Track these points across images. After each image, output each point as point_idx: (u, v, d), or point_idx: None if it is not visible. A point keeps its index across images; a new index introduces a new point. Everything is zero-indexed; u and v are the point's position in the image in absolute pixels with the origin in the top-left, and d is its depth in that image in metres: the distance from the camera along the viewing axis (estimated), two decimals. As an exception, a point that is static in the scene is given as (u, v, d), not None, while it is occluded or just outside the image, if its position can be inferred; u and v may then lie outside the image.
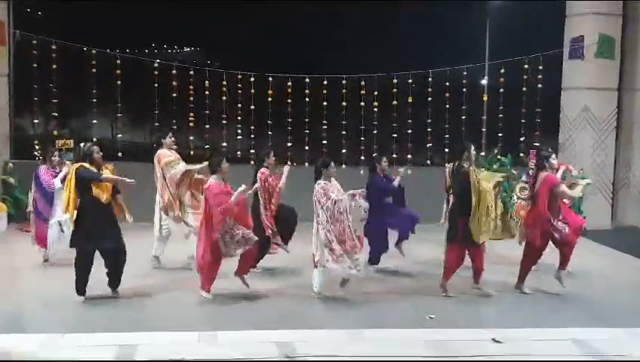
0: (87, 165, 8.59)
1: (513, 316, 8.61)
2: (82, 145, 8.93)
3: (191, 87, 15.54)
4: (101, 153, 8.81)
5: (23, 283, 9.65)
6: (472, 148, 9.36)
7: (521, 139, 15.46)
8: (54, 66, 15.21)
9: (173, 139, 10.84)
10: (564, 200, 9.63)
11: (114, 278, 8.80)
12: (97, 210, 8.53)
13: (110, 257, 8.69)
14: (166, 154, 10.64)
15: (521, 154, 14.71)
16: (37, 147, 16.01)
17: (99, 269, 8.75)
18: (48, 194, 10.61)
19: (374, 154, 14.60)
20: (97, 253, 8.70)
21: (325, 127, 15.98)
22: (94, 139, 14.99)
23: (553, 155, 9.66)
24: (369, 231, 10.26)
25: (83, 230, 8.51)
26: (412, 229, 10.82)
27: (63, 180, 10.06)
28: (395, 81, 15.74)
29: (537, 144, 14.52)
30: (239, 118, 15.91)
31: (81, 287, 8.62)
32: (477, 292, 9.35)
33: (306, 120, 15.84)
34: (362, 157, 15.73)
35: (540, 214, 9.25)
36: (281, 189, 10.26)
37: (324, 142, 15.87)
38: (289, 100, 15.71)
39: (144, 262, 10.43)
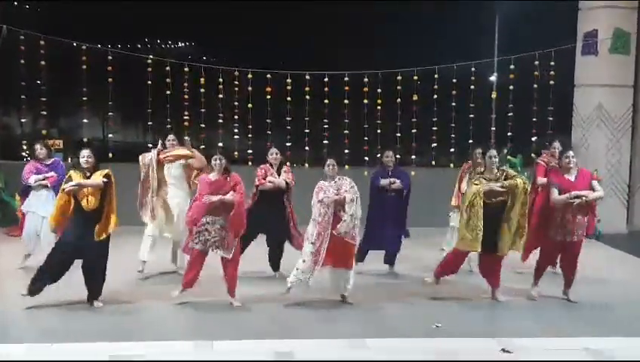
0: (73, 173, 8.37)
1: (524, 324, 8.35)
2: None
3: (186, 84, 14.97)
4: (85, 159, 8.40)
5: (9, 289, 9.29)
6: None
7: (532, 138, 14.90)
8: (43, 63, 14.60)
9: (175, 142, 10.47)
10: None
11: (90, 290, 8.51)
12: (81, 218, 8.28)
13: (85, 269, 8.43)
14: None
15: (533, 155, 14.30)
16: (25, 147, 15.53)
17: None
18: (26, 189, 10.48)
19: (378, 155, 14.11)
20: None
21: (326, 126, 15.46)
22: (85, 139, 14.57)
23: (570, 152, 9.21)
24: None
25: (64, 238, 8.35)
26: (395, 250, 10.59)
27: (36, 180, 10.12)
28: (399, 77, 15.15)
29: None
30: (236, 116, 15.38)
31: (36, 286, 8.28)
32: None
33: (307, 118, 15.31)
34: (366, 158, 15.18)
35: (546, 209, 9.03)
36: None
37: (325, 141, 15.36)
38: (289, 98, 15.15)
39: (134, 268, 10.17)
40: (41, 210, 10.22)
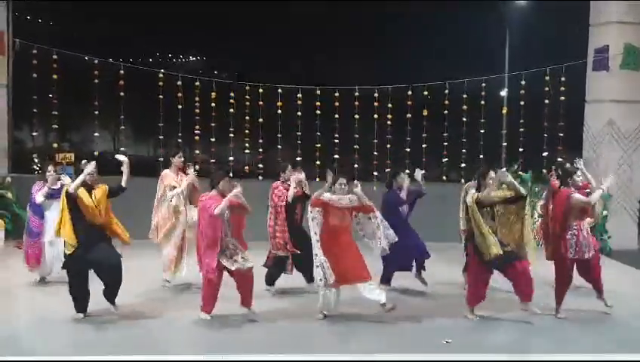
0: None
1: (534, 340, 8.26)
2: (82, 163, 8.62)
3: (197, 98, 15.00)
4: (92, 173, 8.37)
5: (18, 302, 9.35)
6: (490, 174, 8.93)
7: (543, 154, 14.85)
8: (55, 76, 14.73)
9: (182, 159, 10.42)
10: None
11: (110, 294, 8.53)
12: (88, 230, 8.28)
13: (104, 275, 8.43)
14: (170, 177, 10.24)
15: (543, 170, 14.26)
16: (36, 160, 15.57)
17: (99, 289, 8.55)
18: (38, 209, 10.31)
19: (389, 170, 14.01)
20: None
21: (337, 140, 15.43)
22: (95, 153, 14.57)
23: (579, 172, 9.26)
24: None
25: (74, 252, 8.28)
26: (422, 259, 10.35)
27: (46, 196, 10.09)
28: (410, 92, 15.18)
29: (560, 160, 14.05)
30: (247, 130, 15.42)
31: (80, 307, 8.43)
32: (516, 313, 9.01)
33: (317, 133, 15.37)
34: (375, 173, 15.14)
35: (556, 231, 8.95)
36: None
37: (336, 156, 15.35)
38: (299, 113, 15.21)
39: (147, 281, 10.16)
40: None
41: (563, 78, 14.81)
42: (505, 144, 16.86)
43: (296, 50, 26.73)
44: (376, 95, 15.24)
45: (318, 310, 8.71)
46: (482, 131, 15.40)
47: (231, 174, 9.25)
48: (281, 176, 10.14)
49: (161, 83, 14.99)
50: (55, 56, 14.70)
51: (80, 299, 8.42)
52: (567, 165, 9.84)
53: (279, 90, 15.09)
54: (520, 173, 14.63)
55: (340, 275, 8.56)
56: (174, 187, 10.09)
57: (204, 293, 8.56)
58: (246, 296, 8.64)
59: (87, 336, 7.89)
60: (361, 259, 8.77)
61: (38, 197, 10.13)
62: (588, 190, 9.26)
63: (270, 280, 10.13)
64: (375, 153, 15.49)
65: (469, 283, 9.14)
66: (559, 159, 14.05)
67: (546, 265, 9.44)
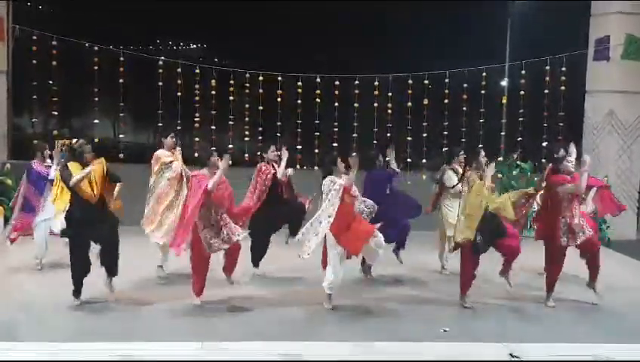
0: (71, 165, 8.39)
1: (532, 330, 8.30)
2: (74, 141, 8.72)
3: (197, 85, 15.02)
4: (88, 151, 8.46)
5: (17, 288, 9.34)
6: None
7: (543, 144, 14.83)
8: (55, 63, 14.75)
9: (174, 139, 10.27)
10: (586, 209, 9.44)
11: (108, 267, 8.56)
12: (86, 204, 8.32)
13: (103, 247, 8.48)
14: (165, 154, 10.05)
15: (543, 160, 14.24)
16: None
17: (95, 278, 8.58)
18: (39, 182, 10.40)
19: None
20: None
21: (336, 129, 15.39)
22: (96, 140, 14.55)
23: (569, 158, 9.09)
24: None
25: (74, 224, 8.38)
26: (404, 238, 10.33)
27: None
28: (410, 81, 15.13)
29: (547, 143, 14.06)
30: (247, 118, 15.44)
31: (77, 288, 8.44)
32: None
33: (317, 121, 15.36)
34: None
35: (548, 217, 9.03)
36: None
37: (335, 144, 15.31)
38: (299, 101, 15.21)
39: (144, 268, 10.13)
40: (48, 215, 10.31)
41: (563, 68, 14.78)
42: (504, 134, 16.85)
43: (296, 39, 26.71)
44: (376, 83, 15.23)
45: (326, 289, 8.60)
46: (482, 121, 15.40)
47: (230, 161, 9.21)
48: (266, 158, 10.45)
49: (161, 70, 14.98)
50: (55, 43, 14.70)
51: (77, 278, 8.40)
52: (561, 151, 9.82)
53: (279, 78, 15.06)
54: (519, 162, 14.63)
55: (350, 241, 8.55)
56: (170, 162, 9.82)
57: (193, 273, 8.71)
58: (229, 264, 8.84)
59: (81, 323, 7.95)
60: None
61: (52, 172, 10.11)
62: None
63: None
64: (375, 141, 15.45)
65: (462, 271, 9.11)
66: (544, 143, 14.07)
67: (536, 252, 9.58)
